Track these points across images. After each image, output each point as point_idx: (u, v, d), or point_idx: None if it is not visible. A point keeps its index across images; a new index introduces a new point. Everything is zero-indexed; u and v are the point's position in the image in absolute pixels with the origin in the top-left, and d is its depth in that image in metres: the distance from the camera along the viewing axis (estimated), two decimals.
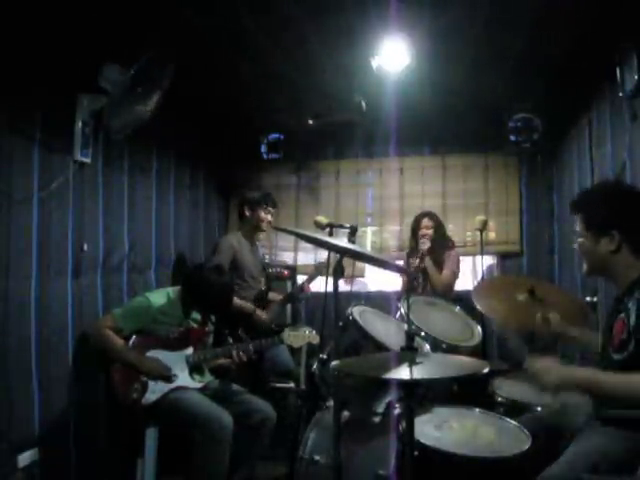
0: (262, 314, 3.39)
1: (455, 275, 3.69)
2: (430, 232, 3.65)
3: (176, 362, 2.67)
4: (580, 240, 1.84)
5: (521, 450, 1.73)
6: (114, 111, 2.57)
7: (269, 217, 3.55)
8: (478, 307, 2.50)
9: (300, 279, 3.86)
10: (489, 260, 4.38)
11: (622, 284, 1.76)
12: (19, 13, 2.24)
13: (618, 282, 1.80)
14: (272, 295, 3.62)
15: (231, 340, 3.13)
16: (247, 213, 3.53)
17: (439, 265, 3.63)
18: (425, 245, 3.59)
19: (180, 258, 3.79)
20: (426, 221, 3.68)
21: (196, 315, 2.88)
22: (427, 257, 3.59)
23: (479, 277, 3.69)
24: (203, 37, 2.72)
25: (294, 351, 3.45)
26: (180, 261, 3.77)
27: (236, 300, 3.24)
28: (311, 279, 3.53)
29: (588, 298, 3.08)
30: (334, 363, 1.70)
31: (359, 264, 3.61)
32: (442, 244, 3.70)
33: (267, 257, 4.40)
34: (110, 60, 2.55)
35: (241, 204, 3.58)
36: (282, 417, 2.84)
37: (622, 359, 1.64)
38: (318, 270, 3.53)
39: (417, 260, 3.57)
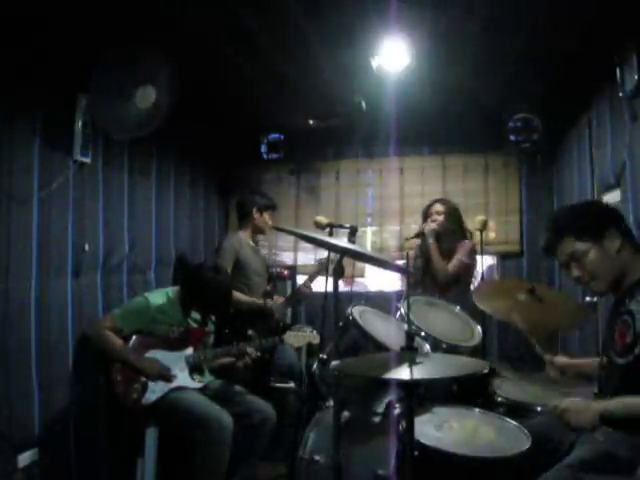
0: (273, 302, 3.38)
1: (462, 264, 3.31)
2: (440, 218, 3.34)
3: (176, 362, 2.67)
4: (590, 256, 1.72)
5: (521, 450, 1.72)
6: (100, 107, 2.56)
7: (270, 222, 3.63)
8: (480, 307, 2.50)
9: (300, 279, 3.85)
10: (489, 260, 4.37)
11: (622, 286, 1.72)
12: (19, 13, 2.24)
13: (622, 285, 1.73)
14: (275, 298, 3.59)
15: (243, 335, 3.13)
16: (255, 215, 3.56)
17: (446, 253, 3.32)
18: (429, 226, 3.29)
19: (180, 258, 3.79)
20: (437, 206, 3.39)
21: (196, 315, 2.88)
22: (431, 240, 3.27)
23: (479, 277, 3.68)
24: (203, 37, 2.72)
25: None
26: (180, 261, 3.77)
27: (245, 297, 3.28)
28: (314, 276, 3.48)
29: (588, 298, 3.08)
30: (334, 363, 1.70)
31: (359, 264, 3.61)
32: (453, 233, 3.36)
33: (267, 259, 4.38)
34: (110, 60, 2.55)
35: (250, 206, 3.57)
36: (282, 417, 2.84)
37: (627, 363, 1.60)
38: (321, 266, 3.43)
39: (419, 240, 3.30)
